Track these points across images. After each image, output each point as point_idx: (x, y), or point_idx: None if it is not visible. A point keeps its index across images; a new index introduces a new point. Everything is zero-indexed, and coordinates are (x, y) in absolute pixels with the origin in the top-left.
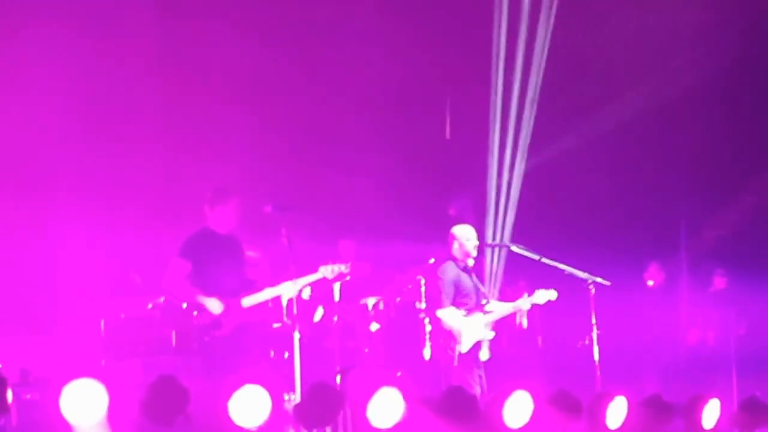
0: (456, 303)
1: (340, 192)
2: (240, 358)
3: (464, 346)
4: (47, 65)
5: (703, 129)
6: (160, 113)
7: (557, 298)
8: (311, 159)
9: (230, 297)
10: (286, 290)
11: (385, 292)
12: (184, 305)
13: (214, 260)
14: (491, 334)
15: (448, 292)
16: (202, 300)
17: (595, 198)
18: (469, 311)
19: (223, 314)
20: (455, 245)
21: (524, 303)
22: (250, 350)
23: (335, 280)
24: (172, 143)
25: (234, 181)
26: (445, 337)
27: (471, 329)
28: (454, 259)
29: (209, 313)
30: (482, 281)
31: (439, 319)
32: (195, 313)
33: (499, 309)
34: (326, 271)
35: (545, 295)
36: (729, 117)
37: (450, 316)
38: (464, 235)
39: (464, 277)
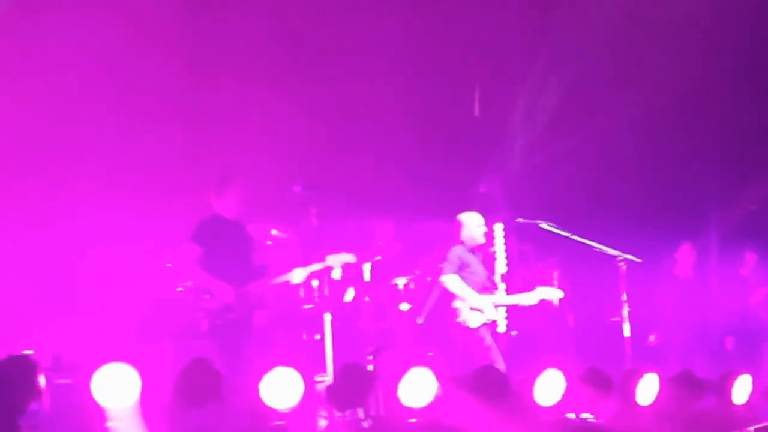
0: (463, 278)
1: (370, 171)
2: (255, 340)
3: (472, 319)
4: (72, 49)
5: (733, 104)
6: (185, 95)
7: (562, 298)
8: (341, 139)
9: (240, 282)
10: (297, 276)
11: (415, 271)
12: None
13: (224, 246)
14: (501, 315)
15: (452, 261)
16: (212, 285)
17: (624, 175)
18: (477, 291)
19: (233, 300)
20: (464, 232)
21: (527, 299)
22: (271, 332)
23: (343, 268)
24: (201, 126)
25: (257, 164)
26: (453, 312)
27: (480, 303)
28: (464, 244)
29: (220, 298)
30: (491, 271)
31: (448, 293)
32: (207, 296)
33: (506, 299)
34: (333, 261)
35: (551, 293)
36: (760, 90)
37: (456, 283)
38: (472, 221)
39: (472, 259)
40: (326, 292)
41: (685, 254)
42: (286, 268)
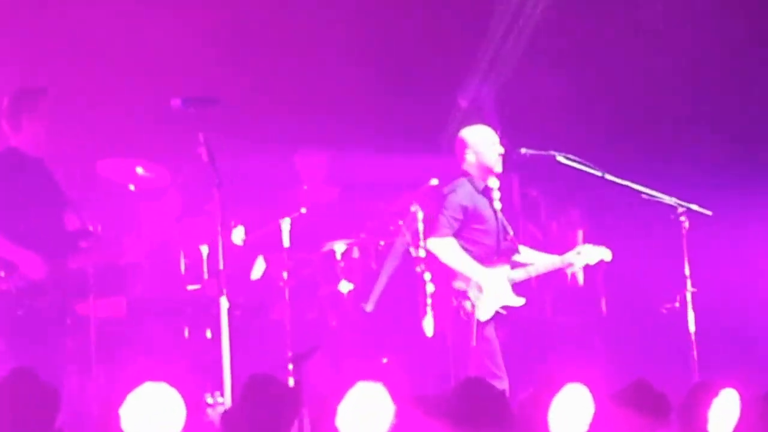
0: (466, 239)
1: (295, 80)
2: (87, 343)
3: (482, 311)
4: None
5: None
6: None
7: (611, 257)
8: (250, 34)
9: (52, 251)
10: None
11: (361, 232)
12: None
13: (27, 196)
14: (520, 301)
15: (452, 215)
16: (13, 253)
17: (686, 84)
18: (488, 259)
19: (46, 277)
20: (469, 156)
21: (576, 258)
22: (135, 329)
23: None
24: None
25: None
26: (455, 295)
27: (492, 284)
28: (469, 177)
29: (24, 275)
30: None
31: (440, 266)
32: (1, 272)
33: (536, 262)
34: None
35: (597, 253)
36: None
37: (451, 250)
38: (482, 139)
39: (483, 203)
40: (221, 264)
41: None
42: (160, 226)
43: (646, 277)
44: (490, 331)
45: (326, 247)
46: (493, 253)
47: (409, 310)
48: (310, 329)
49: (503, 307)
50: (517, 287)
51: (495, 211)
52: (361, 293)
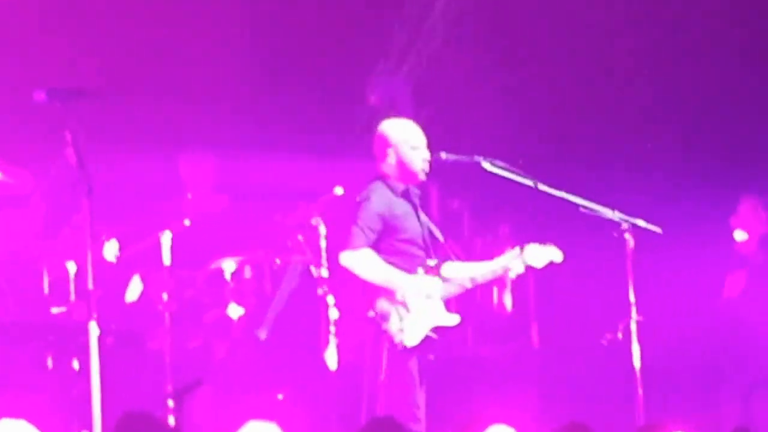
0: (387, 251)
1: (180, 72)
2: None
3: (409, 335)
4: None
5: None
6: None
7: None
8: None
9: None
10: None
11: (254, 248)
12: None
13: None
14: (454, 319)
15: (367, 226)
16: None
17: (635, 84)
18: (415, 271)
19: None
20: (390, 155)
21: (515, 262)
22: None
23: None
24: None
25: None
26: (377, 318)
27: (421, 301)
28: (387, 180)
29: None
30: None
31: (354, 282)
32: None
33: (472, 272)
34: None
35: (544, 254)
36: None
37: (369, 262)
38: (408, 139)
39: (402, 207)
40: (91, 284)
41: (748, 218)
42: (20, 239)
43: (584, 304)
44: (414, 363)
45: (213, 265)
46: (421, 264)
47: (309, 339)
48: (193, 360)
49: (434, 329)
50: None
51: (419, 216)
52: (253, 319)
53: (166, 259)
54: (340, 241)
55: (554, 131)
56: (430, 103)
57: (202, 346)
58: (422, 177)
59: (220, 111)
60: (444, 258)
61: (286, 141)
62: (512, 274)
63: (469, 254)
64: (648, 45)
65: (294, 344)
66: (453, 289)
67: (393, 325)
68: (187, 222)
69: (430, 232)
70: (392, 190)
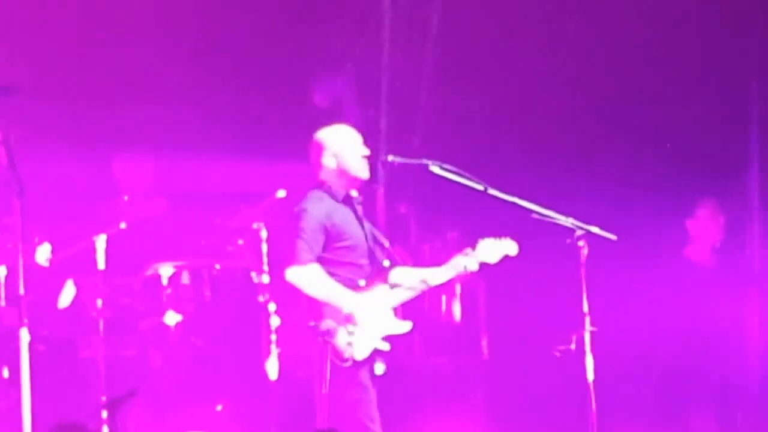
0: (329, 261)
1: (116, 70)
2: None
3: (359, 348)
4: None
5: None
6: None
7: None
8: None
9: None
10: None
11: (192, 253)
12: None
13: None
14: (406, 326)
15: (311, 237)
16: None
17: (594, 87)
18: (356, 281)
19: None
20: (327, 160)
21: (468, 261)
22: None
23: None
24: None
25: None
26: (323, 334)
27: (368, 313)
28: (325, 187)
29: None
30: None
31: (296, 290)
32: None
33: (423, 276)
34: None
35: (498, 248)
36: None
37: (316, 279)
38: (342, 140)
39: (345, 215)
40: (22, 289)
41: (705, 223)
42: None
43: (536, 313)
44: (365, 375)
45: (150, 271)
46: (366, 271)
47: (249, 348)
48: (128, 369)
49: (385, 338)
50: None
51: (361, 222)
52: (191, 326)
53: (101, 263)
54: (282, 247)
55: (505, 135)
56: (376, 104)
57: (137, 355)
58: (364, 175)
59: (158, 111)
60: (391, 263)
61: (227, 142)
62: (467, 270)
63: (416, 260)
64: (600, 48)
65: (234, 353)
66: (403, 295)
67: (341, 341)
68: (123, 225)
69: (375, 239)
70: (332, 197)
